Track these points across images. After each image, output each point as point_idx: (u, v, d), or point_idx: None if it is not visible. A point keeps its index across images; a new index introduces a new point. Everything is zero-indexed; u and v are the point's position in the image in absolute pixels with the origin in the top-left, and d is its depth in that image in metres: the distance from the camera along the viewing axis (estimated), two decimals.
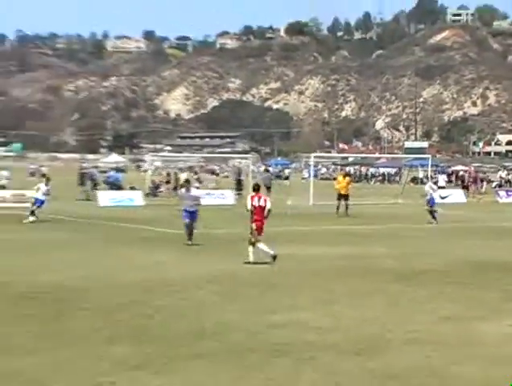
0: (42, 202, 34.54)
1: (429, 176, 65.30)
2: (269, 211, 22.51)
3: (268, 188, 50.91)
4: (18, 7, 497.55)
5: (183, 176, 60.19)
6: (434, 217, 37.32)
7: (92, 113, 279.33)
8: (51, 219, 36.01)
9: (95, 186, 56.89)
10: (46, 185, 34.97)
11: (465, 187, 70.44)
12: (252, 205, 22.50)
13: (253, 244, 22.00)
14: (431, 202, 38.13)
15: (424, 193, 39.23)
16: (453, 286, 18.38)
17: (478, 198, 62.44)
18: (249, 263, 21.57)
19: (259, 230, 22.25)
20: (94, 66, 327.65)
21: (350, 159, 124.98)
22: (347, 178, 46.98)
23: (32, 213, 34.12)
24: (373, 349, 11.98)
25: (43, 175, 37.75)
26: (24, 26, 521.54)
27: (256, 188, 23.81)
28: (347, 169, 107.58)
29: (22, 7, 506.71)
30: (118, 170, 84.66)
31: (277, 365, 11.02)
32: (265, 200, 22.84)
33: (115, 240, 28.66)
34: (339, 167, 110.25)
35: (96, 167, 75.60)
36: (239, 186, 57.47)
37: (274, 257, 21.65)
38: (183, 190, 30.16)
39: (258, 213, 22.41)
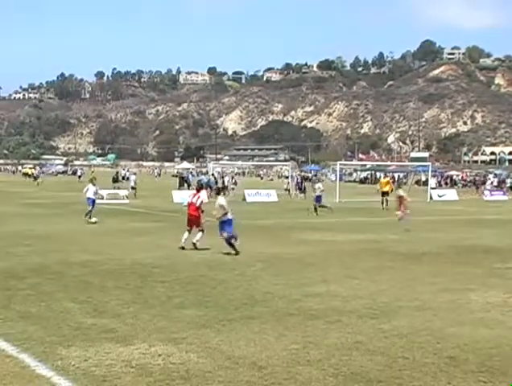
0: (93, 201, 30.73)
1: (317, 177, 64.72)
2: (198, 207, 21.17)
3: (210, 187, 49.06)
4: (114, 50, 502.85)
5: (226, 179, 60.48)
6: (315, 210, 36.39)
7: (168, 131, 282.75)
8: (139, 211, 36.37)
9: (189, 187, 57.43)
10: (94, 185, 31.60)
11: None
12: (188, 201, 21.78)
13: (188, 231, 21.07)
14: (317, 199, 36.98)
15: (315, 189, 37.82)
16: (448, 265, 18.20)
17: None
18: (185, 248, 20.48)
19: (190, 222, 21.18)
20: (170, 95, 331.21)
21: (368, 166, 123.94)
22: (387, 179, 48.57)
23: (89, 213, 30.01)
24: (385, 314, 11.89)
25: (92, 179, 34.16)
26: (118, 64, 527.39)
27: (198, 188, 22.75)
28: (365, 173, 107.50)
29: (117, 49, 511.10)
30: (207, 174, 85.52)
31: (311, 326, 10.98)
32: (198, 197, 21.48)
33: (183, 228, 28.73)
34: (359, 172, 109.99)
35: (190, 173, 75.92)
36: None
37: (183, 248, 20.43)
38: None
39: (191, 208, 21.29)
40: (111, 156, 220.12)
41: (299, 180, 61.01)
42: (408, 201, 29.52)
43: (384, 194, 44.36)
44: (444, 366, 8.86)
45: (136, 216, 34.20)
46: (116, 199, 45.97)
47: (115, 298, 13.13)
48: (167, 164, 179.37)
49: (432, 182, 75.99)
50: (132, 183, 55.35)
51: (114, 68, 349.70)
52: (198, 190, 22.16)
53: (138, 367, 8.72)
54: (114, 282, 14.97)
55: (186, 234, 20.99)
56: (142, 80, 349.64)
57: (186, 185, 60.63)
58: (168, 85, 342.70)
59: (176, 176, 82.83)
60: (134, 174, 65.40)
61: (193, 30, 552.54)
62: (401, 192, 30.24)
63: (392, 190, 44.60)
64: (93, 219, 29.39)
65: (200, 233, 20.79)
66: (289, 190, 58.66)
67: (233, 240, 19.77)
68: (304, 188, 55.74)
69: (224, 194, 26.20)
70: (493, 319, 11.66)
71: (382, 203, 43.38)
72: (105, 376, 8.31)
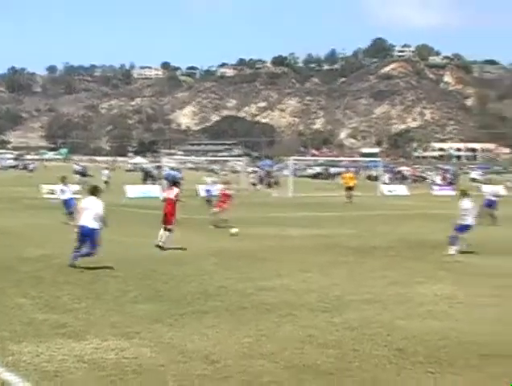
0: (69, 201, 27.50)
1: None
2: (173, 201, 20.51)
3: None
4: (66, 44, 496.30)
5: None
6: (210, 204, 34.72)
7: (121, 126, 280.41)
8: None
9: (154, 181, 57.86)
10: (65, 185, 29.21)
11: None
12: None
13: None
14: (207, 193, 35.98)
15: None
16: (398, 259, 18.44)
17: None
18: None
19: (166, 218, 20.34)
20: (123, 89, 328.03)
21: (320, 161, 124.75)
22: (350, 174, 49.74)
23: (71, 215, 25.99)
24: (337, 307, 11.99)
25: (63, 178, 29.89)
26: (70, 58, 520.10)
27: (173, 183, 22.78)
28: (317, 169, 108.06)
29: (69, 43, 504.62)
30: (173, 169, 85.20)
31: (264, 320, 11.01)
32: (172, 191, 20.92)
33: (139, 222, 28.61)
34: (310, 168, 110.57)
35: (159, 168, 75.53)
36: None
37: (159, 246, 19.66)
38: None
39: (168, 203, 20.57)
40: (63, 150, 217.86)
41: (263, 175, 61.25)
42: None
43: (348, 189, 45.36)
44: (393, 357, 8.97)
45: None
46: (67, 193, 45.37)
47: (67, 293, 13.00)
48: (120, 159, 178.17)
49: (386, 177, 76.87)
50: (105, 178, 55.11)
51: (67, 62, 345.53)
52: (173, 185, 21.81)
53: (90, 361, 8.65)
54: (66, 277, 14.81)
55: (161, 231, 20.23)
56: (95, 74, 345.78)
57: (151, 179, 60.37)
58: (121, 80, 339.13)
59: (130, 171, 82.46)
60: (107, 168, 65.26)
61: (147, 24, 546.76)
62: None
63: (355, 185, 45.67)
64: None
65: (168, 233, 20.06)
66: (255, 185, 58.88)
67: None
68: (274, 182, 56.38)
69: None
70: (441, 311, 11.85)
71: (347, 197, 44.31)
72: (56, 372, 8.22)
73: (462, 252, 19.27)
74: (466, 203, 20.11)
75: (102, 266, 16.06)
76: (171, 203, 20.46)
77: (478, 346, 9.58)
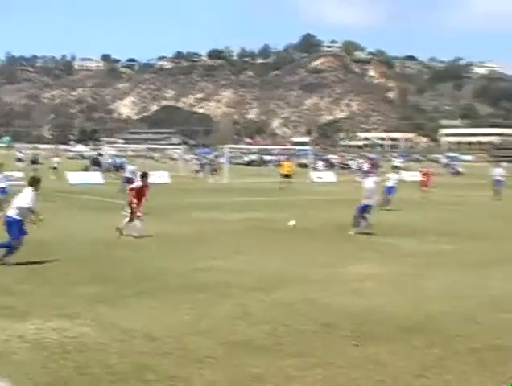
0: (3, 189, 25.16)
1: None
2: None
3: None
4: (7, 34, 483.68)
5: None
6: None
7: (63, 115, 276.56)
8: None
9: (100, 169, 57.28)
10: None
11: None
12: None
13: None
14: (124, 180, 35.17)
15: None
16: (328, 241, 18.65)
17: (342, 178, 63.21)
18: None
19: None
20: (65, 80, 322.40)
21: (253, 150, 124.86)
22: (289, 163, 50.12)
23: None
24: (270, 287, 12.06)
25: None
26: (12, 49, 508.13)
27: (143, 174, 20.25)
28: (251, 157, 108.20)
29: (11, 34, 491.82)
30: (119, 156, 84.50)
31: (200, 298, 11.04)
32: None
33: (79, 208, 28.22)
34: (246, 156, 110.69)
35: (100, 155, 74.59)
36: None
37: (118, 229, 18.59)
38: None
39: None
40: (6, 138, 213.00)
41: (207, 162, 61.20)
42: None
43: (287, 176, 46.11)
44: (321, 332, 9.10)
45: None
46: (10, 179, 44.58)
47: (11, 276, 12.78)
48: (62, 147, 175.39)
49: (320, 164, 77.88)
50: (55, 164, 54.94)
51: (9, 53, 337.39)
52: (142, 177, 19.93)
53: (33, 341, 8.54)
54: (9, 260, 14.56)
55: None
56: (37, 65, 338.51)
57: (98, 167, 59.65)
58: (63, 71, 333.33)
59: (72, 158, 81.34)
60: (57, 156, 65.05)
61: (88, 16, 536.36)
62: None
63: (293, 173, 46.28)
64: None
65: (137, 222, 18.80)
66: (198, 172, 58.70)
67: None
68: (214, 170, 56.35)
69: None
70: (366, 289, 12.04)
71: (282, 183, 44.88)
72: (0, 352, 8.10)
73: (366, 233, 19.65)
74: (369, 183, 20.78)
75: (45, 250, 15.82)
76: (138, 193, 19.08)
77: (399, 320, 9.78)
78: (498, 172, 36.71)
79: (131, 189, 19.19)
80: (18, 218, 14.01)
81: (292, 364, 7.69)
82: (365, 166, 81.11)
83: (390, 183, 29.75)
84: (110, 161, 64.39)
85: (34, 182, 14.61)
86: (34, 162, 60.84)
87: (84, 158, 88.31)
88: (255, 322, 9.60)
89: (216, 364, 7.68)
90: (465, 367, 7.73)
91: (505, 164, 43.04)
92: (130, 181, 31.75)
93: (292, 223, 21.64)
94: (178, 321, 9.60)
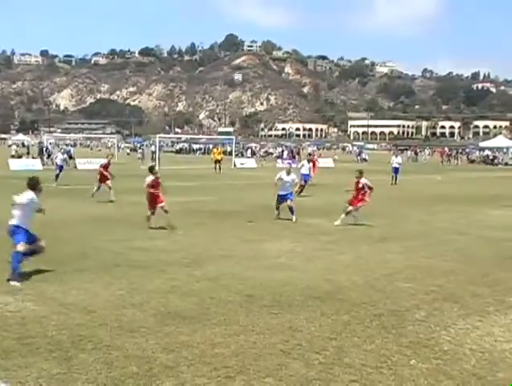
0: None
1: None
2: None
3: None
4: None
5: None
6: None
7: (4, 106, 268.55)
8: None
9: (49, 156, 55.05)
10: None
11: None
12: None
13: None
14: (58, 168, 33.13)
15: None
16: (248, 220, 18.67)
17: (262, 164, 63.49)
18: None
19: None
20: (5, 74, 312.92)
21: (183, 139, 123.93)
22: (220, 150, 51.13)
23: None
24: (197, 262, 12.04)
25: None
26: None
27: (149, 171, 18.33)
28: (181, 145, 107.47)
29: None
30: (69, 145, 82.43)
31: (135, 275, 10.92)
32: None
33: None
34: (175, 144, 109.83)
35: (50, 144, 72.69)
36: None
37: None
38: None
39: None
40: None
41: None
42: None
43: (217, 161, 46.88)
44: (244, 302, 9.13)
45: None
46: None
47: None
48: (3, 136, 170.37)
49: (248, 152, 78.84)
50: (13, 152, 56.73)
51: None
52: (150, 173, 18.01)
53: None
54: None
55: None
56: None
57: (46, 154, 58.02)
58: (3, 65, 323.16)
59: (10, 145, 79.49)
60: (15, 144, 65.69)
61: (26, 12, 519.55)
62: None
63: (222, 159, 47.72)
64: None
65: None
66: (140, 159, 58.11)
67: None
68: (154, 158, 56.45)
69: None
70: (283, 264, 12.14)
71: (215, 168, 45.83)
72: None
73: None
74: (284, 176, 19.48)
75: None
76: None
77: (311, 290, 9.90)
78: (396, 160, 37.52)
79: (148, 185, 17.40)
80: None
81: (217, 332, 7.70)
82: (285, 154, 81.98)
83: (304, 171, 29.73)
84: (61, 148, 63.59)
85: (36, 184, 12.45)
86: None
87: (23, 146, 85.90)
88: (184, 294, 9.57)
89: (148, 334, 7.62)
90: (370, 330, 7.90)
91: (406, 152, 44.07)
92: (61, 169, 32.92)
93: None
94: (113, 295, 9.47)
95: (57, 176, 31.89)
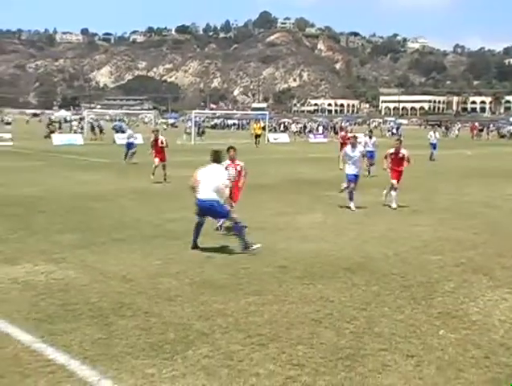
0: None
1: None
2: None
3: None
4: None
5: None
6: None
7: (47, 83, 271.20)
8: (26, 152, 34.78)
9: (101, 131, 56.22)
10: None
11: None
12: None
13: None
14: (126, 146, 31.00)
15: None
16: (281, 194, 18.63)
17: (295, 138, 63.24)
18: None
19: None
20: (48, 51, 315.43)
21: (218, 114, 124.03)
22: (259, 125, 51.84)
23: None
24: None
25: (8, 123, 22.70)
26: None
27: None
28: (216, 120, 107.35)
29: None
30: (120, 120, 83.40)
31: (171, 246, 11.01)
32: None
33: (64, 166, 27.81)
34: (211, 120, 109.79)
35: (101, 119, 73.80)
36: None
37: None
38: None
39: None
40: None
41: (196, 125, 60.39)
42: None
43: (257, 136, 48.67)
44: (276, 273, 9.15)
45: (21, 156, 32.71)
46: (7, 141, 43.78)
47: (2, 226, 12.59)
48: (46, 112, 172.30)
49: (293, 127, 78.55)
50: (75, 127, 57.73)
51: None
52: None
53: (23, 283, 8.46)
54: (2, 213, 14.34)
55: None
56: (22, 38, 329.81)
57: (99, 129, 58.73)
58: (46, 43, 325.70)
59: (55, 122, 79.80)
60: (76, 120, 65.98)
61: None
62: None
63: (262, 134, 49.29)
64: None
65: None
66: (189, 134, 57.93)
67: None
68: (203, 132, 56.61)
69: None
70: (315, 235, 12.12)
71: (256, 143, 47.34)
72: None
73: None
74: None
75: (32, 203, 15.64)
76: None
77: (342, 261, 9.88)
78: (435, 136, 36.92)
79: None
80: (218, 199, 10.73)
81: (251, 301, 7.74)
82: (320, 129, 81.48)
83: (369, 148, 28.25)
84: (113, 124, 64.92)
85: (219, 157, 11.43)
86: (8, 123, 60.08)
87: (66, 121, 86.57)
88: (218, 265, 9.62)
89: (184, 302, 7.69)
90: (399, 301, 7.87)
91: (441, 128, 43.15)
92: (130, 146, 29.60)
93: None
94: (151, 265, 9.57)
95: (126, 154, 29.16)
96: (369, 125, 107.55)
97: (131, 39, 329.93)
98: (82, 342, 6.27)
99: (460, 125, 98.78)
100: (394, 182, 16.12)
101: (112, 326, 6.79)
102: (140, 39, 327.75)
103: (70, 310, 7.30)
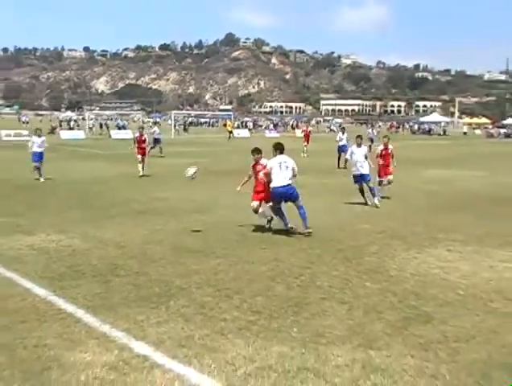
0: (40, 154, 17.51)
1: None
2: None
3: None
4: (13, 31, 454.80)
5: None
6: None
7: (56, 90, 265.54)
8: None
9: (107, 129, 56.05)
10: (39, 137, 17.96)
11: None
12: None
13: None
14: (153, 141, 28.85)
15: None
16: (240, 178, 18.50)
17: (253, 133, 63.03)
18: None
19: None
20: (57, 65, 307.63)
21: (192, 114, 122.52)
22: (231, 123, 52.34)
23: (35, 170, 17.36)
24: (205, 210, 11.98)
25: (36, 130, 20.03)
26: (18, 42, 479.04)
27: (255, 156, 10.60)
28: (191, 119, 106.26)
29: (16, 30, 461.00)
30: (123, 119, 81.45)
31: (157, 219, 10.90)
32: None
33: (72, 157, 27.27)
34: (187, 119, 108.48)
35: (110, 119, 72.31)
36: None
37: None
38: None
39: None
40: (16, 107, 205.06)
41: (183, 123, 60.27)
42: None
43: (230, 132, 47.98)
44: (239, 240, 9.13)
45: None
46: (19, 136, 42.63)
47: (21, 205, 12.32)
48: (55, 113, 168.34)
49: (250, 125, 78.65)
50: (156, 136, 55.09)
51: (15, 45, 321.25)
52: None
53: (39, 249, 8.33)
54: (18, 193, 14.06)
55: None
56: (37, 54, 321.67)
57: (106, 127, 57.97)
58: (55, 58, 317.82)
59: (64, 121, 77.77)
60: (155, 123, 64.97)
61: (73, 17, 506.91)
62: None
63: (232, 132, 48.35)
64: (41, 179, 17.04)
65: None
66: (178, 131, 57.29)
67: None
68: (187, 128, 56.29)
69: None
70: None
71: (229, 137, 46.48)
72: (15, 256, 7.88)
73: None
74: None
75: (46, 187, 15.32)
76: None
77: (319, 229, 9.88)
78: (369, 132, 37.18)
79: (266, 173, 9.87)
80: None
81: (220, 263, 7.72)
82: (271, 126, 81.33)
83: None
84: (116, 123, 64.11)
85: (283, 147, 9.99)
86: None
87: (70, 120, 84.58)
88: (196, 235, 9.56)
89: (167, 263, 7.64)
90: (335, 260, 7.93)
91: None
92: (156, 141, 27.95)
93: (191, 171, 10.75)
94: (140, 235, 9.47)
95: (152, 148, 25.63)
96: (317, 122, 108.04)
97: (123, 55, 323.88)
98: (86, 295, 6.20)
99: (381, 124, 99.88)
100: (391, 177, 13.90)
101: (109, 282, 6.72)
102: (130, 54, 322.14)
103: (76, 270, 7.21)
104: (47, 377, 4.33)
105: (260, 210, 9.83)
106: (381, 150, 14.02)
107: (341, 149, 22.63)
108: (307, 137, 30.88)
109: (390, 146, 14.08)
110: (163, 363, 4.58)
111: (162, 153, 27.70)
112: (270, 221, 9.95)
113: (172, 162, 24.03)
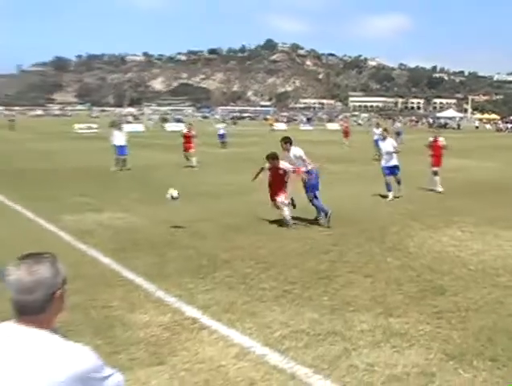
0: (121, 148, 16.94)
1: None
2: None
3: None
4: (86, 39, 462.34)
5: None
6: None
7: (120, 89, 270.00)
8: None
9: (165, 122, 57.22)
10: (120, 130, 18.07)
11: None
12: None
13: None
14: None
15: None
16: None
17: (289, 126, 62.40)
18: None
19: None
20: (120, 68, 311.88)
21: (236, 109, 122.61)
22: (272, 118, 50.05)
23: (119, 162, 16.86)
24: (248, 192, 11.90)
25: (115, 123, 19.03)
26: (89, 49, 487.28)
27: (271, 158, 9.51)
28: (235, 114, 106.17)
29: (87, 39, 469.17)
30: (179, 114, 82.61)
31: (207, 201, 10.85)
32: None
33: (132, 146, 27.62)
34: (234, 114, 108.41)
35: (167, 114, 73.46)
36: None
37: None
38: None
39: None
40: (87, 104, 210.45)
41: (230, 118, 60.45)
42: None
43: (271, 125, 47.54)
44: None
45: (102, 140, 32.56)
46: (89, 129, 43.64)
47: (92, 187, 12.60)
48: (118, 108, 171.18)
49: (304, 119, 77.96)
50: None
51: (87, 52, 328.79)
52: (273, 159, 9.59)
53: (106, 225, 8.51)
54: (89, 177, 14.37)
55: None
56: (104, 59, 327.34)
57: (165, 122, 59.05)
58: (119, 62, 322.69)
59: (124, 115, 79.06)
60: (223, 122, 66.09)
61: (134, 24, 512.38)
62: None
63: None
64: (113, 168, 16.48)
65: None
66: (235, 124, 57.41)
67: None
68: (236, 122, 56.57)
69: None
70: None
71: (271, 130, 45.62)
72: (87, 231, 8.06)
73: None
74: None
75: (110, 172, 15.60)
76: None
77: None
78: (396, 126, 35.87)
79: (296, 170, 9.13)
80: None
81: (260, 239, 7.70)
82: (305, 119, 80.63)
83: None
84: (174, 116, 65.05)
85: (291, 141, 9.64)
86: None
87: (134, 116, 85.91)
88: (239, 214, 9.56)
89: (214, 239, 7.68)
90: (359, 239, 7.80)
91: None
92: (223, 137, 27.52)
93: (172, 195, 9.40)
94: (190, 213, 9.52)
95: (223, 143, 26.32)
96: (345, 117, 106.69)
97: (177, 58, 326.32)
98: (144, 266, 6.29)
99: (401, 118, 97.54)
100: (438, 168, 12.89)
101: (164, 255, 6.79)
102: (183, 58, 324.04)
103: (136, 244, 7.32)
104: (112, 333, 4.43)
105: (286, 201, 8.65)
106: (431, 142, 13.26)
107: (376, 143, 22.16)
108: (346, 133, 29.81)
109: (440, 139, 13.20)
110: (209, 325, 4.61)
111: (225, 147, 26.75)
112: (327, 214, 8.59)
113: (237, 151, 24.02)
